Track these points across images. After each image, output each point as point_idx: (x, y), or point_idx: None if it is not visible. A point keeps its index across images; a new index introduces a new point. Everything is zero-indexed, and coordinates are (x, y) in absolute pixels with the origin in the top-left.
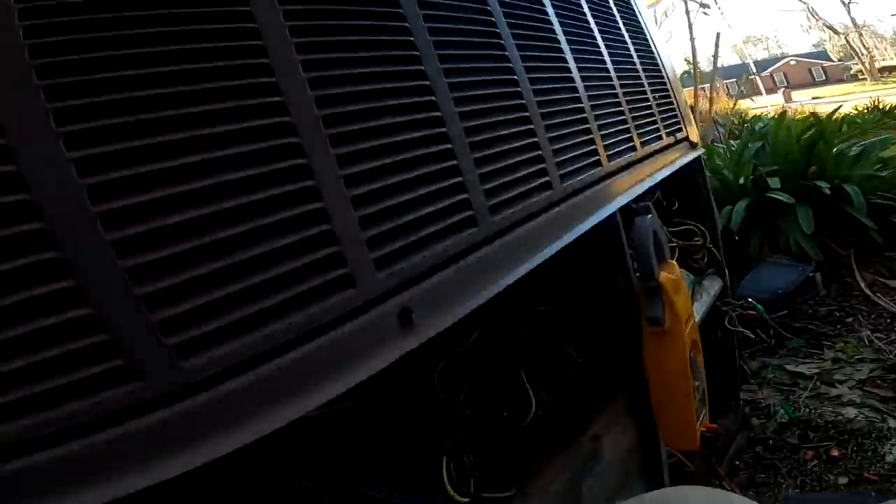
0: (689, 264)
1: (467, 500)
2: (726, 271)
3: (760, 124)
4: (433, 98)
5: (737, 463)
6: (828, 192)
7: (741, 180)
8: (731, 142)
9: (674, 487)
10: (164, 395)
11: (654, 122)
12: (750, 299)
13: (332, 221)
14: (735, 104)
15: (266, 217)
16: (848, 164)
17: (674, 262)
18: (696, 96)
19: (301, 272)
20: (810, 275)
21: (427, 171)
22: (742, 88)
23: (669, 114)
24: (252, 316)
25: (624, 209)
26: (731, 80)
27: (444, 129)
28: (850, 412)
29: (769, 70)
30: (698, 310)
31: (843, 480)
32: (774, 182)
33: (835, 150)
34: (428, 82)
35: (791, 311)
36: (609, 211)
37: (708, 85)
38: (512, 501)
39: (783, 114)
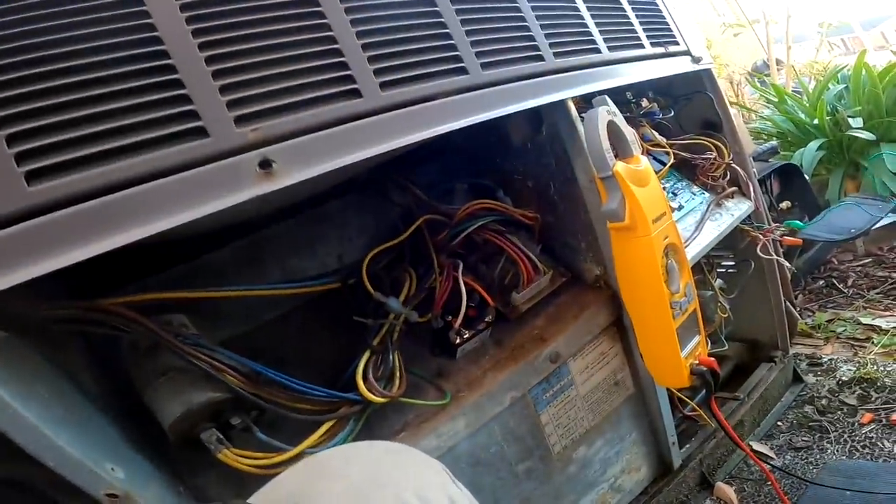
0: (706, 183)
1: (383, 399)
2: (754, 193)
3: (845, 71)
4: None
5: (779, 423)
6: None
7: (815, 121)
8: (809, 87)
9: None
10: (14, 215)
11: (629, 27)
12: (788, 221)
13: (186, 87)
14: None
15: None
16: None
17: (641, 156)
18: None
19: (150, 123)
20: None
21: (303, 53)
22: (847, 46)
23: (653, 21)
24: (98, 154)
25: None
26: (833, 38)
27: (324, 18)
28: None
29: (878, 26)
30: (714, 229)
31: None
32: (857, 122)
33: None
34: None
35: (877, 259)
36: (540, 102)
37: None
38: (444, 411)
39: (863, 53)
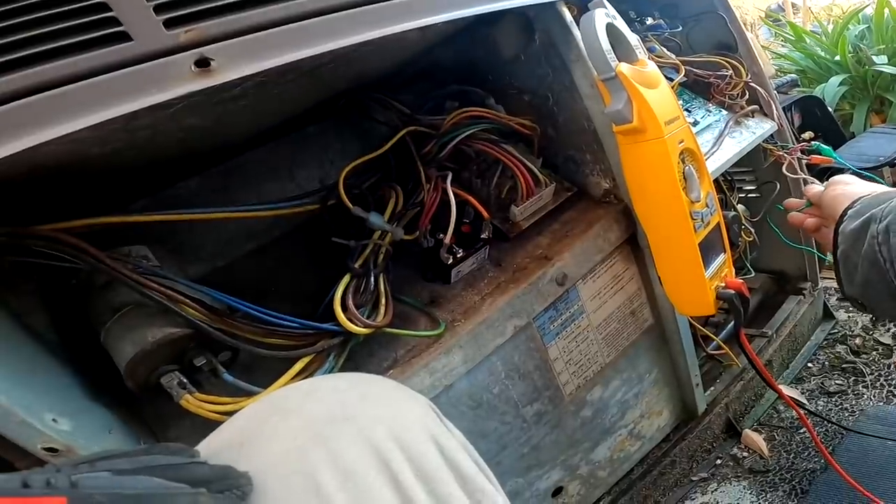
0: (722, 101)
1: (366, 329)
2: (777, 112)
3: (866, 11)
4: None
5: (809, 365)
6: None
7: (837, 58)
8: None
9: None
10: None
11: None
12: (815, 141)
13: None
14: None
15: None
16: None
17: (648, 61)
18: None
19: (67, 31)
20: None
21: None
22: None
23: None
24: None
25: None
26: None
27: None
28: None
29: None
30: (734, 146)
31: None
32: (881, 59)
33: None
34: None
35: None
36: (522, 2)
37: None
38: (438, 343)
39: None
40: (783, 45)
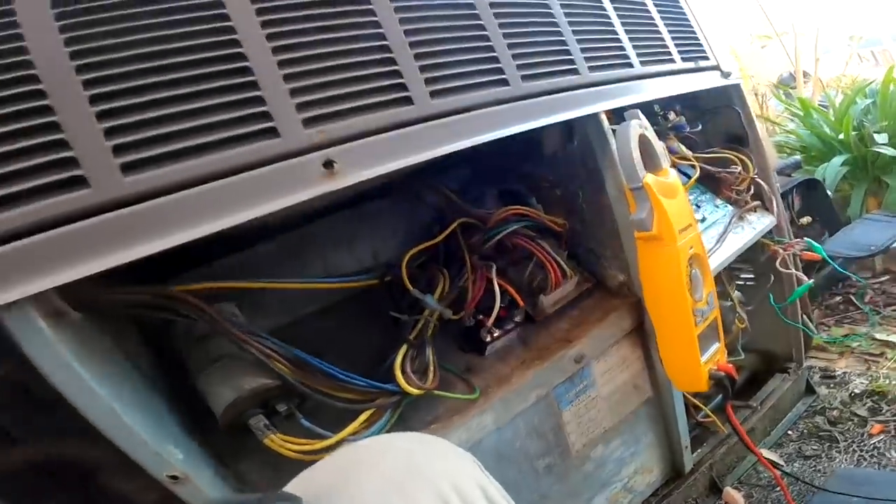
0: (730, 196)
1: (419, 391)
2: (777, 208)
3: (873, 86)
4: None
5: (789, 432)
6: None
7: (840, 136)
8: (836, 100)
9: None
10: (110, 202)
11: (660, 42)
12: (808, 239)
13: (260, 88)
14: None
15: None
16: None
17: (670, 169)
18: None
19: (229, 122)
20: None
21: (363, 60)
22: (877, 59)
23: (684, 36)
24: (181, 150)
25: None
26: (863, 49)
27: (380, 28)
28: None
29: None
30: (736, 242)
31: None
32: (882, 138)
33: None
34: None
35: (894, 277)
36: (574, 114)
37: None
38: (474, 405)
39: (892, 68)
40: (791, 120)
